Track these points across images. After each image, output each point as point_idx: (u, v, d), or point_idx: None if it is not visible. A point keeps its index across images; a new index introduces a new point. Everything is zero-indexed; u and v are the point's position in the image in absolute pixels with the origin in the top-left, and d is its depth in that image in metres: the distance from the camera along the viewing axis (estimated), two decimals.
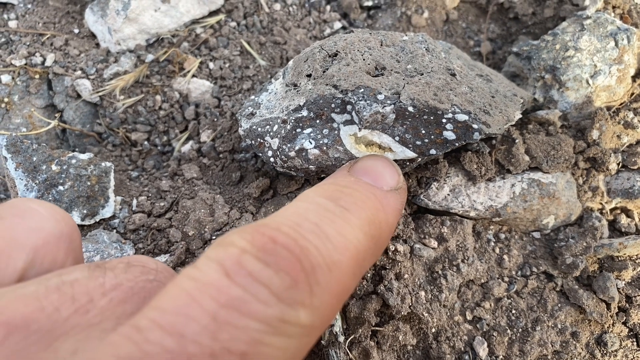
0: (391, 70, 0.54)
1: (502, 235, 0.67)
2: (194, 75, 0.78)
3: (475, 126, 0.51)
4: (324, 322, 0.31)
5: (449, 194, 0.64)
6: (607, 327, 0.64)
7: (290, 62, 0.61)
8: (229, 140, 0.73)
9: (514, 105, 0.60)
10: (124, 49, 0.80)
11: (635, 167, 0.67)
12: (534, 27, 0.86)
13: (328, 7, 0.83)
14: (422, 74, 0.55)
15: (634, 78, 0.75)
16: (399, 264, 0.61)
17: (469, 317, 0.63)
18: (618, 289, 0.65)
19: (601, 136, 0.67)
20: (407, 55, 0.58)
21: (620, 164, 0.68)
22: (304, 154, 0.51)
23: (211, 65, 0.79)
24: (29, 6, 0.85)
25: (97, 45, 0.82)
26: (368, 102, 0.50)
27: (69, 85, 0.76)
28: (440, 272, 0.62)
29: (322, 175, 0.57)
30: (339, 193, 0.39)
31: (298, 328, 0.28)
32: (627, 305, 0.65)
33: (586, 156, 0.67)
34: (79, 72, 0.77)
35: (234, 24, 0.82)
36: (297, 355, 0.29)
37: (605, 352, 0.63)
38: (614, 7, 0.79)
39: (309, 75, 0.55)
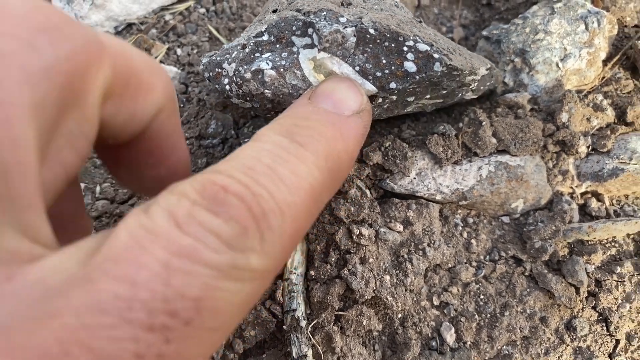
0: (357, 5, 0.54)
1: (470, 220, 0.66)
2: (161, 62, 0.76)
3: (436, 56, 0.49)
4: (277, 264, 0.32)
5: (414, 178, 0.63)
6: (577, 312, 0.63)
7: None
8: (195, 126, 0.72)
9: (479, 61, 0.59)
10: None
11: (605, 150, 0.66)
12: (506, 12, 0.86)
13: None
14: (387, 12, 0.54)
15: (605, 62, 0.74)
16: (364, 247, 0.60)
17: (435, 302, 0.62)
18: (587, 273, 0.64)
19: (570, 119, 0.66)
20: (375, 1, 0.57)
21: (590, 147, 0.67)
22: (259, 75, 0.49)
23: (179, 51, 0.78)
24: None
25: None
26: (329, 22, 0.48)
27: None
28: (405, 256, 0.61)
29: (278, 111, 0.54)
30: (295, 127, 0.39)
31: (250, 272, 0.29)
32: (597, 289, 0.64)
33: (555, 139, 0.66)
34: None
35: (203, 10, 0.81)
36: (251, 297, 0.30)
37: (574, 337, 0.62)
38: None
39: (274, 11, 0.54)
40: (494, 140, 0.64)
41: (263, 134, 0.38)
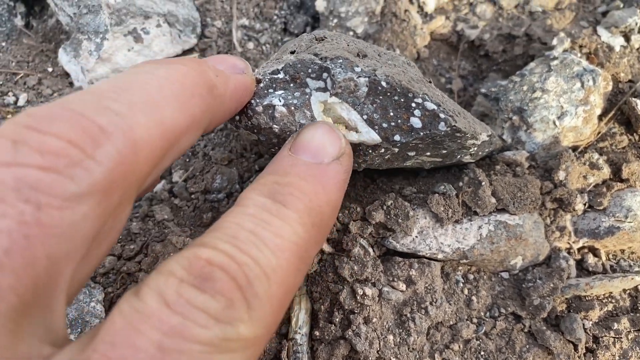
0: (372, 58, 0.55)
1: (471, 276, 0.68)
2: None
3: (442, 116, 0.51)
4: (268, 328, 0.33)
5: (416, 236, 0.64)
6: None
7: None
8: (201, 181, 0.73)
9: (481, 127, 0.61)
10: None
11: (601, 208, 0.68)
12: (504, 64, 0.88)
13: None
14: (400, 68, 0.56)
15: (600, 117, 0.76)
16: (368, 307, 0.61)
17: (437, 359, 0.63)
18: (585, 329, 0.65)
19: (567, 177, 0.68)
20: (389, 56, 0.60)
21: (587, 204, 0.69)
22: (270, 110, 0.51)
23: None
24: (3, 44, 0.85)
25: (71, 84, 0.82)
26: (344, 70, 0.50)
27: None
28: (408, 315, 0.62)
29: (281, 146, 0.57)
30: (276, 186, 0.40)
31: (241, 342, 0.30)
32: (595, 346, 0.65)
33: (553, 197, 0.68)
34: None
35: None
36: None
37: None
38: (580, 47, 0.80)
39: (292, 52, 0.56)
40: (493, 200, 0.65)
41: (246, 197, 0.40)
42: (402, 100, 0.51)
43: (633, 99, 0.74)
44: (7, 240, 0.25)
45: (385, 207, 0.64)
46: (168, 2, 0.82)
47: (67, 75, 0.83)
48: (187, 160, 0.75)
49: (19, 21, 0.89)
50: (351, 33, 0.83)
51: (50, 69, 0.84)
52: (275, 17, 0.86)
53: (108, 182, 0.30)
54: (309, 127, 0.49)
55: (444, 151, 0.58)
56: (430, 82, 0.61)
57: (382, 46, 0.83)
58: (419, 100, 0.51)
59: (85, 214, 0.29)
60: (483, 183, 0.65)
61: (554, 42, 0.80)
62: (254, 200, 0.39)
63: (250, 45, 0.84)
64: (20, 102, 0.78)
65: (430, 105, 0.51)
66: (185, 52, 0.84)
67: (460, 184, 0.67)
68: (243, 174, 0.74)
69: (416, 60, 0.86)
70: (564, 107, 0.72)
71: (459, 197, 0.66)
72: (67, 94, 0.79)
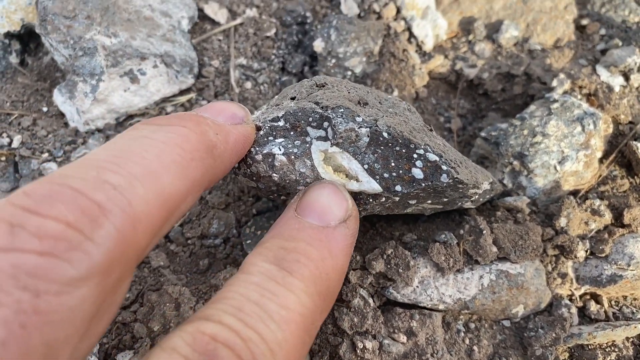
0: (373, 106, 0.55)
1: (472, 325, 0.67)
2: None
3: (444, 167, 0.50)
4: None
5: (417, 286, 0.63)
6: None
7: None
8: (197, 226, 0.72)
9: (483, 176, 0.61)
10: (92, 128, 0.80)
11: (603, 255, 0.67)
12: (503, 103, 0.87)
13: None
14: (401, 116, 0.56)
15: (601, 160, 0.75)
16: None
17: None
18: None
19: (569, 223, 0.67)
20: (390, 103, 0.59)
21: (589, 250, 0.68)
22: (270, 159, 0.50)
23: None
24: None
25: (66, 124, 0.81)
26: (345, 120, 0.49)
27: (35, 169, 0.75)
28: None
29: (282, 197, 0.56)
30: (282, 251, 0.40)
31: None
32: None
33: (554, 244, 0.67)
34: (45, 155, 0.76)
35: (204, 102, 0.82)
36: None
37: None
38: (580, 87, 0.80)
39: (293, 98, 0.55)
40: (494, 249, 0.64)
41: (250, 263, 0.39)
42: (403, 150, 0.50)
43: (633, 142, 0.73)
44: (3, 330, 0.25)
45: (385, 256, 0.63)
46: (165, 43, 0.81)
47: (62, 115, 0.82)
48: None
49: (13, 59, 0.88)
50: (349, 73, 0.82)
51: (45, 109, 0.83)
52: (273, 56, 0.86)
53: (108, 262, 0.29)
54: (315, 187, 0.48)
55: (445, 199, 0.58)
56: (431, 129, 0.61)
57: (381, 86, 0.83)
58: (421, 152, 0.50)
59: (84, 297, 0.28)
60: (484, 232, 0.65)
61: (554, 83, 0.80)
62: (259, 267, 0.38)
63: (248, 84, 0.83)
64: (15, 144, 0.77)
65: (432, 157, 0.50)
66: (182, 92, 0.83)
67: (461, 231, 0.66)
68: (240, 218, 0.73)
69: (415, 99, 0.85)
70: (565, 151, 0.71)
71: (460, 246, 0.65)
72: (63, 134, 0.78)
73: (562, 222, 0.68)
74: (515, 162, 0.72)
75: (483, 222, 0.66)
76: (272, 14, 0.88)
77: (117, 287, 0.32)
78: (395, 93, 0.83)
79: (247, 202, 0.74)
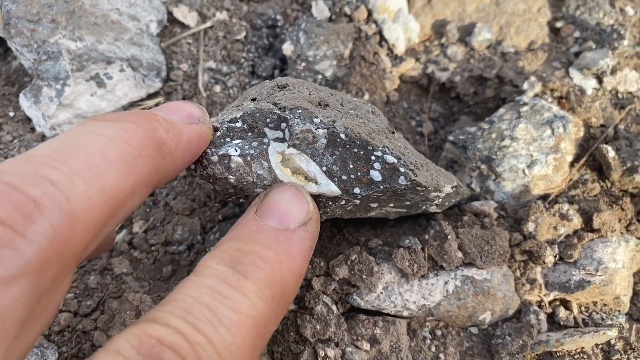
0: (333, 108, 0.54)
1: (439, 332, 0.65)
2: None
3: (402, 169, 0.49)
4: None
5: (381, 292, 0.62)
6: None
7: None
8: (161, 232, 0.71)
9: (446, 179, 0.60)
10: (59, 133, 0.78)
11: (572, 260, 0.66)
12: (475, 106, 0.86)
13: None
14: (362, 118, 0.55)
15: (572, 163, 0.74)
16: None
17: None
18: None
19: (537, 228, 0.66)
20: (352, 105, 0.58)
21: (557, 256, 0.67)
22: (226, 160, 0.49)
23: None
24: None
25: (32, 129, 0.80)
26: (303, 121, 0.48)
27: None
28: None
29: (240, 199, 0.55)
30: (238, 253, 0.39)
31: None
32: None
33: (522, 249, 0.66)
34: None
35: None
36: None
37: None
38: (552, 90, 0.79)
39: (253, 99, 0.54)
40: (459, 255, 0.63)
41: (205, 265, 0.38)
42: (361, 152, 0.49)
43: (604, 145, 0.73)
44: None
45: (349, 262, 0.62)
46: (132, 47, 0.80)
47: (29, 120, 0.81)
48: (148, 210, 0.73)
49: None
50: (320, 76, 0.81)
51: (12, 114, 0.82)
52: (242, 59, 0.85)
53: (42, 260, 0.29)
54: (276, 190, 0.47)
55: (408, 202, 0.57)
56: (393, 132, 0.60)
57: (352, 90, 0.82)
58: (379, 153, 0.50)
59: (15, 297, 0.27)
60: (449, 237, 0.64)
61: (525, 86, 0.79)
62: (213, 269, 0.37)
63: (217, 88, 0.82)
64: None
65: (390, 159, 0.50)
66: (150, 96, 0.82)
67: (427, 236, 0.65)
68: (205, 224, 0.72)
69: (386, 103, 0.84)
70: (534, 155, 0.70)
71: (424, 251, 0.64)
72: (29, 139, 0.77)
73: (530, 227, 0.67)
74: (483, 166, 0.71)
75: (448, 227, 0.65)
76: (243, 17, 0.87)
77: (54, 286, 0.32)
78: (366, 97, 0.82)
79: (212, 208, 0.73)
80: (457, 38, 0.90)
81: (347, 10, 0.86)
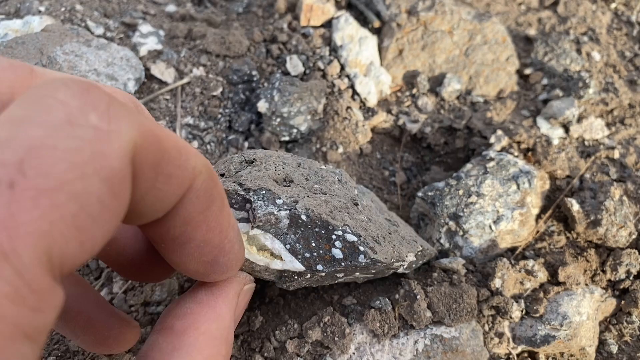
0: (298, 184, 0.56)
1: None
2: None
3: (361, 248, 0.52)
4: None
5: (354, 353, 0.64)
6: None
7: None
8: (140, 293, 0.73)
9: (409, 247, 0.62)
10: None
11: (537, 315, 0.69)
12: (446, 156, 0.89)
13: (246, 144, 0.84)
14: (325, 194, 0.57)
15: (538, 216, 0.77)
16: None
17: None
18: None
19: (503, 284, 0.69)
20: (318, 177, 0.60)
21: (524, 310, 0.69)
22: None
23: None
24: None
25: None
26: (266, 203, 0.51)
27: None
28: None
29: None
30: None
31: None
32: None
33: (490, 304, 0.68)
34: None
35: None
36: None
37: None
38: (519, 143, 0.82)
39: (222, 175, 0.56)
40: (429, 314, 0.66)
41: None
42: (322, 232, 0.52)
43: (568, 199, 0.75)
44: None
45: (322, 324, 0.64)
46: None
47: None
48: None
49: None
50: (295, 130, 0.84)
51: None
52: (219, 115, 0.87)
53: None
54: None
55: (373, 271, 0.59)
56: (356, 204, 0.61)
57: (326, 143, 0.84)
58: (339, 233, 0.52)
59: None
60: (418, 296, 0.66)
61: (492, 139, 0.81)
62: None
63: (195, 144, 0.84)
64: None
65: (350, 237, 0.52)
66: None
67: (397, 296, 0.67)
68: (183, 284, 0.73)
69: (359, 155, 0.87)
70: (500, 211, 0.73)
71: (395, 311, 0.66)
72: None
73: (497, 283, 0.69)
74: (451, 223, 0.74)
75: (417, 286, 0.67)
76: (219, 72, 0.89)
77: None
78: (340, 150, 0.84)
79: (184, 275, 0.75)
80: (427, 89, 0.93)
81: (320, 64, 0.89)
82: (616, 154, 0.85)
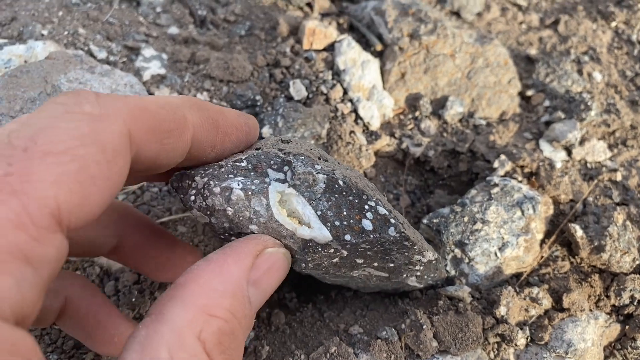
0: (332, 163, 0.57)
1: None
2: None
3: (392, 221, 0.52)
4: None
5: None
6: None
7: None
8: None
9: (429, 247, 0.62)
10: None
11: (542, 342, 0.69)
12: (449, 179, 0.89)
13: None
14: (356, 175, 0.58)
15: (543, 241, 0.77)
16: None
17: None
18: None
19: (508, 312, 0.69)
20: (347, 166, 0.61)
21: (529, 337, 0.70)
22: (227, 192, 0.50)
23: None
24: None
25: None
26: (305, 164, 0.51)
27: None
28: None
29: (232, 237, 0.56)
30: None
31: None
32: None
33: (495, 332, 0.69)
34: None
35: (155, 189, 0.83)
36: None
37: None
38: (522, 167, 0.82)
39: (257, 149, 0.56)
40: (435, 344, 0.66)
41: None
42: (356, 201, 0.52)
43: (572, 224, 0.76)
44: None
45: (328, 355, 0.65)
46: None
47: None
48: (133, 299, 0.75)
49: None
50: None
51: None
52: None
53: None
54: None
55: (392, 264, 0.59)
56: (384, 195, 0.63)
57: None
58: (372, 204, 0.52)
59: None
60: (424, 326, 0.66)
61: (496, 164, 0.82)
62: None
63: None
64: None
65: (382, 210, 0.52)
66: None
67: (403, 326, 0.67)
68: None
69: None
70: (505, 238, 0.73)
71: (401, 341, 0.66)
72: None
73: (502, 310, 0.69)
74: (457, 250, 0.74)
75: (423, 316, 0.67)
76: (223, 97, 0.89)
77: None
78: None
79: None
80: (430, 111, 0.93)
81: (323, 89, 0.89)
82: (619, 177, 0.86)
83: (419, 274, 0.63)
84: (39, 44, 0.91)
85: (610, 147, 0.91)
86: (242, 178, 0.52)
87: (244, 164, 0.53)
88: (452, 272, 0.75)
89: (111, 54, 0.95)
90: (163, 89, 0.89)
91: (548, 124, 0.92)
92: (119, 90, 0.85)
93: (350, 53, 0.92)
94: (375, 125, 0.90)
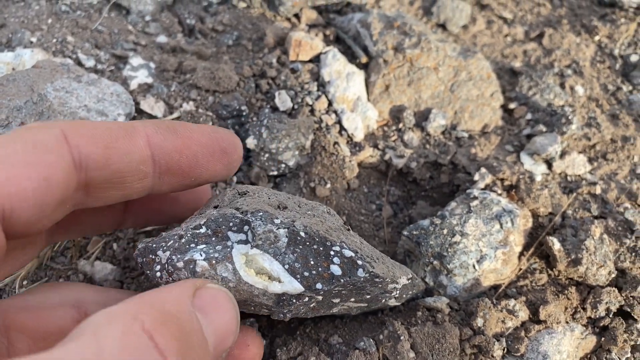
0: (292, 209, 0.58)
1: None
2: (97, 258, 0.79)
3: (360, 262, 0.53)
4: None
5: None
6: None
7: None
8: None
9: (401, 271, 0.63)
10: None
11: (518, 355, 0.70)
12: (431, 191, 0.91)
13: (235, 178, 0.85)
14: (318, 218, 0.59)
15: (521, 253, 0.78)
16: None
17: None
18: None
19: (485, 324, 0.70)
20: (309, 207, 0.62)
21: (505, 349, 0.71)
22: (191, 265, 0.51)
23: (114, 246, 0.80)
24: None
25: None
26: (264, 222, 0.52)
27: None
28: None
29: None
30: None
31: None
32: None
33: (472, 343, 0.70)
34: None
35: None
36: None
37: None
38: (502, 180, 0.83)
39: (215, 207, 0.57)
40: (412, 354, 0.67)
41: None
42: (321, 248, 0.53)
43: (550, 237, 0.77)
44: None
45: None
46: None
47: None
48: None
49: None
50: (283, 165, 0.85)
51: None
52: None
53: None
54: None
55: (368, 296, 0.60)
56: (348, 229, 0.63)
57: (314, 179, 0.85)
58: (337, 248, 0.53)
59: None
60: (402, 337, 0.67)
61: (476, 177, 0.83)
62: None
63: None
64: None
65: (348, 253, 0.53)
66: None
67: (381, 337, 0.68)
68: None
69: (347, 190, 0.88)
70: (483, 250, 0.74)
71: (379, 351, 0.67)
72: None
73: (479, 322, 0.70)
74: (436, 262, 0.75)
75: (401, 327, 0.68)
76: (209, 107, 0.90)
77: None
78: (328, 185, 0.86)
79: None
80: (413, 124, 0.94)
81: (308, 100, 0.90)
82: (598, 190, 0.87)
83: (397, 295, 0.64)
84: (27, 52, 0.92)
85: (590, 160, 0.92)
86: (203, 246, 0.53)
87: (203, 230, 0.54)
88: (431, 284, 0.76)
89: (99, 62, 0.95)
90: (149, 98, 0.90)
91: (530, 137, 0.93)
92: (105, 100, 0.86)
93: (336, 65, 0.93)
94: (359, 136, 0.91)
